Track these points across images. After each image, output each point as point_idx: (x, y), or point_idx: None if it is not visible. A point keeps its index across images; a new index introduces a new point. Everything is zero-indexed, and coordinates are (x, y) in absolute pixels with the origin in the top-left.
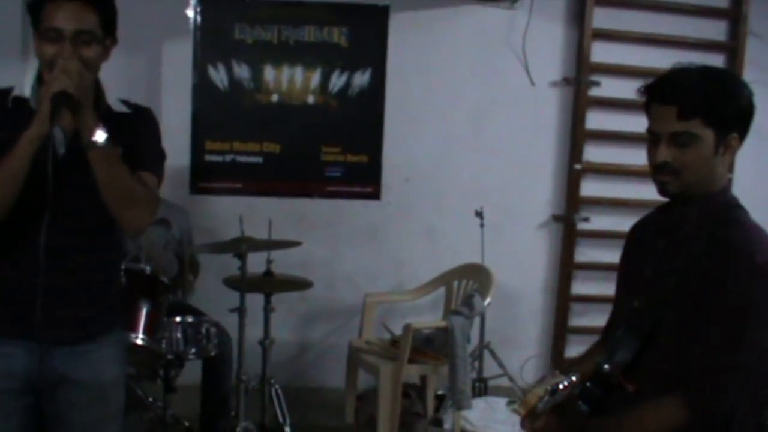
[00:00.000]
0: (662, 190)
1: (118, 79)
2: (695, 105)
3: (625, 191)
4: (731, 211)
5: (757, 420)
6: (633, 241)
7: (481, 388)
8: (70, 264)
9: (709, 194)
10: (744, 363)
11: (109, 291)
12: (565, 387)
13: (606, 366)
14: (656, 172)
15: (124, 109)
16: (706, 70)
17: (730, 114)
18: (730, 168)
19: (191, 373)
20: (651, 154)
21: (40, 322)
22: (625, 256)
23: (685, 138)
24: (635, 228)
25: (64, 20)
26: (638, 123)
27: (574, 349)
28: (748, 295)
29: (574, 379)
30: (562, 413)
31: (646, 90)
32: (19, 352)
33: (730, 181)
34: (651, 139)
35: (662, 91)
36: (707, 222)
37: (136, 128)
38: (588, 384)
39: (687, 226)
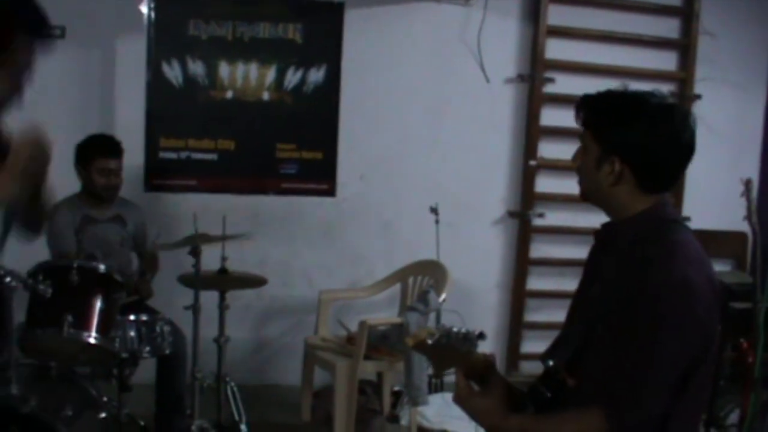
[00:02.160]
0: None
1: (71, 76)
2: (587, 117)
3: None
4: (662, 227)
5: (699, 422)
6: (588, 260)
7: (437, 385)
8: None
9: (642, 212)
10: (659, 376)
11: None
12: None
13: (551, 362)
14: None
15: None
16: (621, 94)
17: (613, 137)
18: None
19: (146, 371)
20: None
21: None
22: (582, 276)
23: (583, 145)
24: (592, 247)
25: None
26: None
27: (530, 344)
28: (661, 309)
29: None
30: (487, 388)
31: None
32: None
33: (661, 204)
34: None
35: (582, 101)
36: (638, 239)
37: None
38: (539, 386)
39: (622, 243)
